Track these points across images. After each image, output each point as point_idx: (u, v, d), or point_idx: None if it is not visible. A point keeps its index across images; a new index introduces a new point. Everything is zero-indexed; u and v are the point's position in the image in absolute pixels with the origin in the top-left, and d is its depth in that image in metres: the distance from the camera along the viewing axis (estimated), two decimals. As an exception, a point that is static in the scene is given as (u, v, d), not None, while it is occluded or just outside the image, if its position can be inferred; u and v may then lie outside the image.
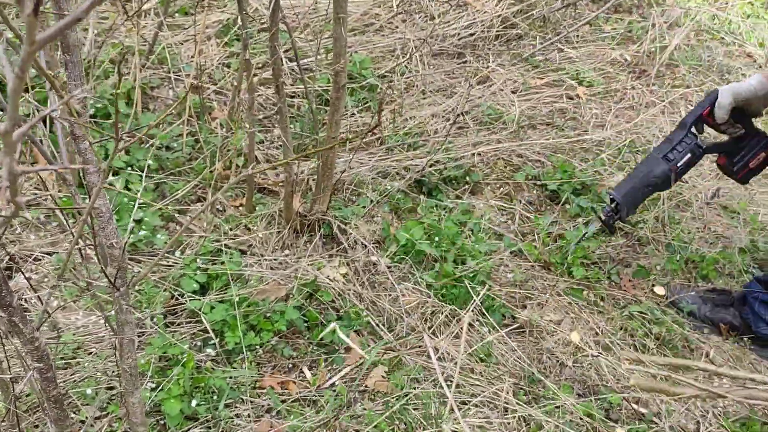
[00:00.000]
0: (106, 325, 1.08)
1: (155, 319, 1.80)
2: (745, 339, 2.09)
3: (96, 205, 0.86)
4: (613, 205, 2.03)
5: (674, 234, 2.35)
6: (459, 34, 3.04)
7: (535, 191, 2.47)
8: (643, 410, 1.87)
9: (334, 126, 1.93)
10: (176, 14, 2.85)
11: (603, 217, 2.06)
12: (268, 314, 1.86)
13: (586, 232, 2.16)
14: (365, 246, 2.09)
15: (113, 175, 2.15)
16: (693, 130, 1.96)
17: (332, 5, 1.72)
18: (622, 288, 2.17)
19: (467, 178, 2.45)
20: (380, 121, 1.70)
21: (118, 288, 0.88)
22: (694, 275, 2.25)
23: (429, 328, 1.93)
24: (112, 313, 1.02)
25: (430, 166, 2.42)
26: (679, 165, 1.96)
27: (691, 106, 2.96)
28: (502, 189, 2.46)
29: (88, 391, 1.63)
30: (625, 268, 2.25)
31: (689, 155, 1.96)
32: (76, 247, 0.81)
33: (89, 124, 0.84)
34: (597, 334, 2.01)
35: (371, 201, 2.28)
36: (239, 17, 1.74)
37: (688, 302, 2.12)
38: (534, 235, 2.30)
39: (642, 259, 2.27)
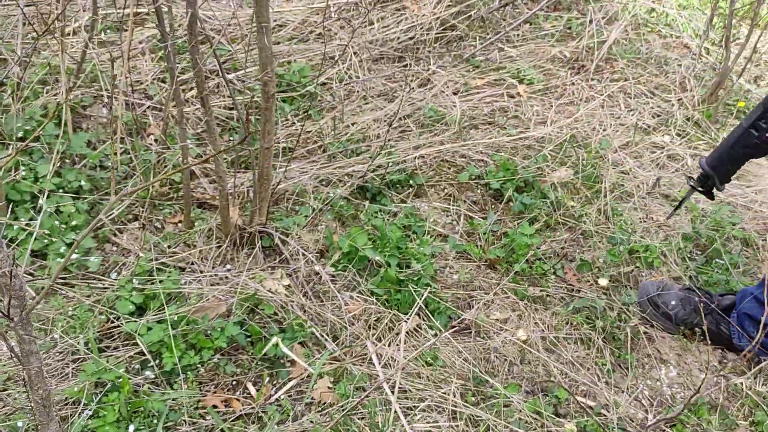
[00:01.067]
0: (12, 356, 1.04)
1: (89, 345, 1.75)
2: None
3: (-19, 232, 0.82)
4: (704, 174, 2.00)
5: (617, 226, 2.37)
6: (398, 38, 3.03)
7: (478, 191, 2.47)
8: (591, 403, 1.87)
9: (266, 136, 1.90)
10: (108, 30, 2.78)
11: (698, 187, 2.03)
12: (209, 332, 1.82)
13: (682, 201, 2.15)
14: (306, 256, 2.06)
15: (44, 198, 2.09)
16: None
17: (254, 15, 1.70)
18: (567, 282, 2.18)
19: (411, 182, 2.44)
20: (249, 132, 1.67)
21: (12, 318, 0.84)
22: (638, 265, 2.27)
23: (373, 335, 1.90)
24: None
25: (373, 171, 2.40)
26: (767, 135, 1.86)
27: (630, 98, 3.01)
28: (446, 190, 2.46)
29: (19, 423, 1.57)
30: (570, 263, 2.26)
31: None
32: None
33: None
34: (543, 330, 2.01)
35: (313, 210, 2.26)
36: (160, 31, 1.71)
37: (668, 303, 2.07)
38: (478, 235, 2.30)
39: (586, 253, 2.28)
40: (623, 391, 1.92)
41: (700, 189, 2.06)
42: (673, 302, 2.08)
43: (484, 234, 2.29)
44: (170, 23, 1.95)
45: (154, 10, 1.76)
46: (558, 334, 2.01)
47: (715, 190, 2.05)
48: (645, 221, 2.45)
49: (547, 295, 2.13)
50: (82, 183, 2.17)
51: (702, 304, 2.04)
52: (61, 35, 2.21)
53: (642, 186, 2.58)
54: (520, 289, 2.12)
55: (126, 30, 2.62)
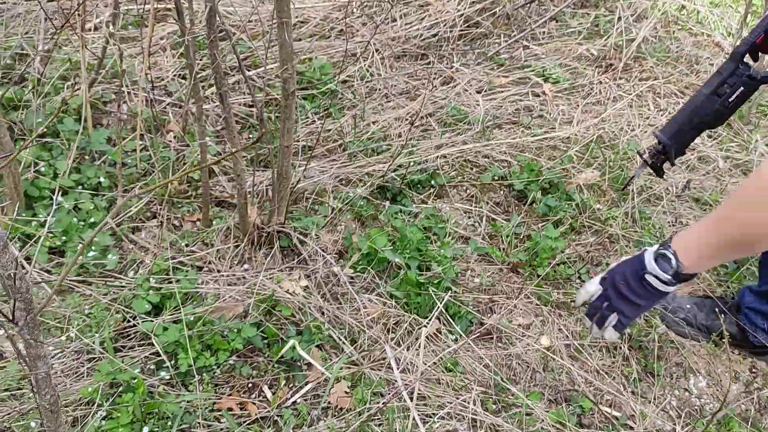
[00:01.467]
0: (19, 360, 1.02)
1: (105, 344, 1.73)
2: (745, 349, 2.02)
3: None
4: (660, 147, 1.88)
5: (645, 230, 2.30)
6: (421, 35, 2.98)
7: (502, 192, 2.41)
8: (616, 413, 1.81)
9: (286, 134, 1.86)
10: (130, 27, 2.77)
11: (649, 161, 1.95)
12: (225, 333, 1.79)
13: (633, 177, 2.08)
14: (324, 257, 2.02)
15: (63, 195, 2.08)
16: (747, 60, 1.75)
17: (275, 10, 1.66)
18: (592, 288, 2.11)
19: (432, 182, 2.39)
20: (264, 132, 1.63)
21: (17, 322, 0.81)
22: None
23: (392, 339, 1.86)
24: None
25: (394, 171, 2.35)
26: (730, 100, 1.77)
27: (660, 98, 2.92)
28: (468, 191, 2.41)
29: (32, 423, 1.55)
30: (596, 267, 2.19)
31: (741, 88, 1.75)
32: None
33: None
34: (567, 336, 1.95)
35: (333, 210, 2.22)
36: (179, 26, 1.68)
37: (683, 310, 2.03)
38: (500, 238, 2.24)
39: (612, 257, 2.22)
40: (650, 402, 1.85)
41: (650, 164, 1.94)
42: (688, 306, 2.04)
43: (507, 237, 2.23)
44: (191, 19, 1.92)
45: (174, 5, 1.73)
46: (583, 341, 1.95)
47: (666, 166, 1.95)
48: (674, 225, 2.38)
49: (572, 301, 2.07)
50: (102, 180, 2.15)
51: (717, 306, 2.02)
52: (81, 30, 2.19)
53: (672, 189, 2.50)
54: (544, 294, 2.06)
55: (147, 26, 2.61)
